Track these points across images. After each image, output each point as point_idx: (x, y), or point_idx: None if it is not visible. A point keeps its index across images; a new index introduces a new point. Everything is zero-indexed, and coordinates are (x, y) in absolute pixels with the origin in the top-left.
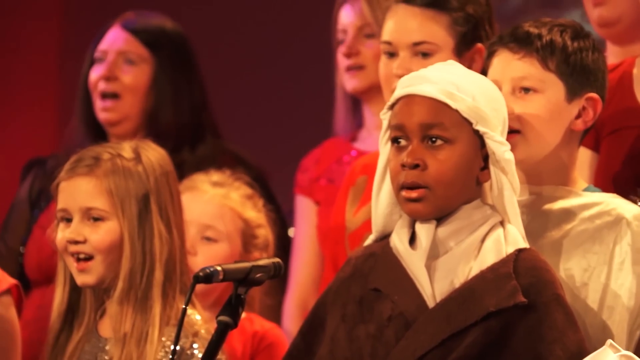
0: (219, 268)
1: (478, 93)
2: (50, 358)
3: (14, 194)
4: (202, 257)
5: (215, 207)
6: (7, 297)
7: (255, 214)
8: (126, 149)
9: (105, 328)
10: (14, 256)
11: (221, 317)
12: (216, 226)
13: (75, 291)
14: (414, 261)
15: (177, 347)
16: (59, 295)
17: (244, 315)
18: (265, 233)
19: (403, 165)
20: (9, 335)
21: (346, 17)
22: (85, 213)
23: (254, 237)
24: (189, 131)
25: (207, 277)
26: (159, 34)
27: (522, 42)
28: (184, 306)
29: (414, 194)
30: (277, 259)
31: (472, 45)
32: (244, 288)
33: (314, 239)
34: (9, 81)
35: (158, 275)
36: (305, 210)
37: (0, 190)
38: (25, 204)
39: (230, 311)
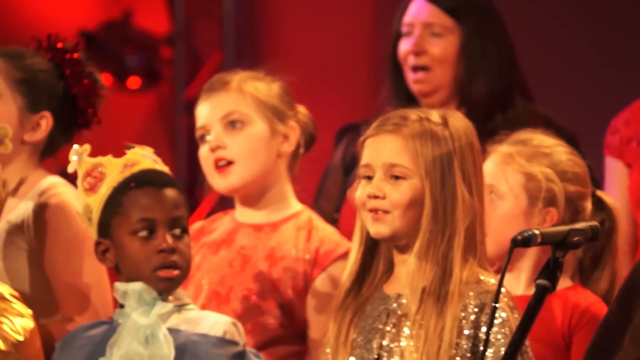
0: (536, 232)
1: None
2: (337, 316)
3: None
4: (488, 215)
5: (494, 166)
6: (345, 260)
7: (541, 168)
8: (434, 114)
9: (392, 286)
10: (329, 221)
11: (540, 281)
12: (497, 185)
13: (369, 252)
14: None
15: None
16: (353, 254)
17: (570, 283)
18: (551, 187)
19: None
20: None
21: None
22: (388, 169)
23: (539, 191)
24: (499, 97)
25: (526, 240)
26: (461, 1)
27: None
28: (503, 268)
29: None
30: (594, 222)
31: None
32: (562, 252)
33: (625, 202)
34: (324, 53)
35: (459, 237)
36: (615, 173)
37: (318, 157)
38: (339, 170)
39: (548, 275)
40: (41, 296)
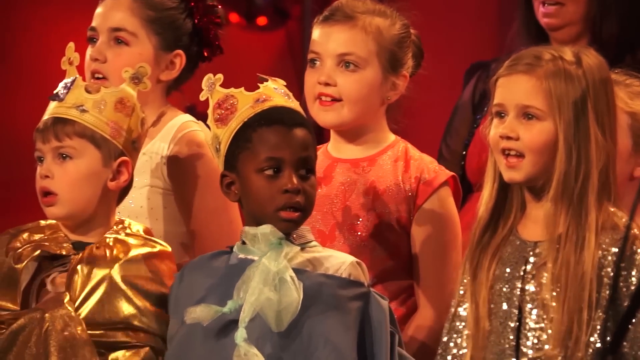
0: None
1: None
2: (474, 254)
3: (457, 98)
4: None
5: None
6: (446, 188)
7: None
8: (567, 53)
9: (528, 231)
10: (457, 159)
11: None
12: None
13: (503, 190)
14: None
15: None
16: (487, 193)
17: None
18: None
19: None
20: (450, 224)
21: None
22: (521, 110)
23: None
24: (630, 37)
25: None
26: None
27: None
28: (632, 208)
29: None
30: None
31: None
32: None
33: None
34: None
35: (594, 180)
36: None
37: (445, 95)
38: (467, 107)
39: None
40: (174, 233)
